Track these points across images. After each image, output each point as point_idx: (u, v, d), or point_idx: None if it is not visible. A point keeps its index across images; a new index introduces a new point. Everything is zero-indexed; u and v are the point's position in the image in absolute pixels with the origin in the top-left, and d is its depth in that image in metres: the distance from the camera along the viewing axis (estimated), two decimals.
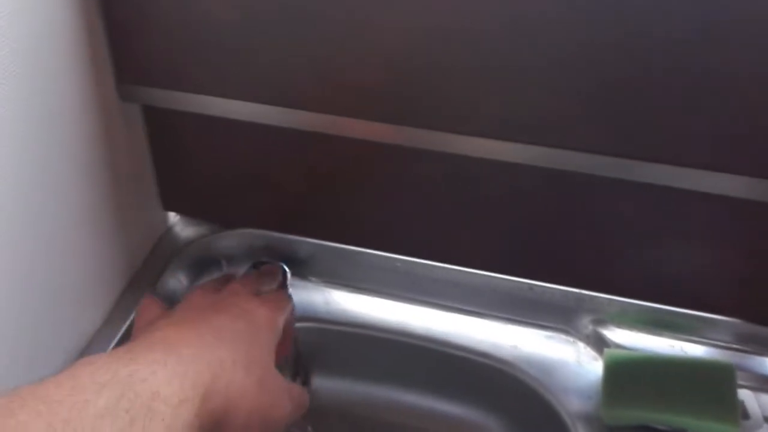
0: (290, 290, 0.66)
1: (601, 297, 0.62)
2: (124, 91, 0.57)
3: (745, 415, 0.57)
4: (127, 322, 0.60)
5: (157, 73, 0.56)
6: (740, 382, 0.59)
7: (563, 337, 0.64)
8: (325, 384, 0.70)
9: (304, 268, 0.69)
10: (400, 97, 0.52)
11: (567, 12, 0.46)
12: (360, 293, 0.68)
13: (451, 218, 0.62)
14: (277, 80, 0.54)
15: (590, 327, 0.63)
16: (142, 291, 0.62)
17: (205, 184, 0.66)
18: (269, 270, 0.63)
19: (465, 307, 0.66)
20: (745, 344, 0.62)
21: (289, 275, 0.66)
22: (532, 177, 0.56)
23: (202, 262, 0.68)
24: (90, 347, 0.58)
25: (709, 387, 0.56)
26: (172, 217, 0.69)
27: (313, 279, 0.70)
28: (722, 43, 0.44)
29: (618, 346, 0.62)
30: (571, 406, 0.59)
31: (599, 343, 0.62)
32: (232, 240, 0.69)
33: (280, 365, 0.54)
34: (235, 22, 0.52)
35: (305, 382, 0.69)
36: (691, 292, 0.61)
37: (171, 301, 0.66)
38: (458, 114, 0.52)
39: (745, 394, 0.58)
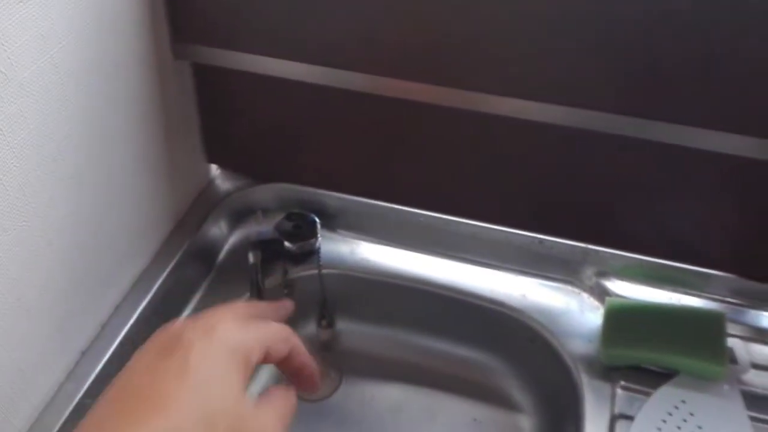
0: (320, 240, 0.72)
1: (604, 251, 0.67)
2: (177, 50, 0.63)
3: (734, 360, 0.62)
4: (173, 263, 0.67)
5: (209, 32, 0.62)
6: (732, 333, 0.64)
7: (569, 288, 0.69)
8: (349, 327, 0.76)
9: (334, 221, 0.75)
10: (436, 58, 0.58)
11: None
12: (384, 245, 0.74)
13: (471, 175, 0.67)
14: (321, 41, 0.59)
15: (594, 279, 0.69)
16: (187, 235, 0.69)
17: (247, 139, 0.72)
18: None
19: (480, 259, 0.71)
20: (739, 298, 0.67)
21: (319, 226, 0.73)
22: (548, 136, 0.61)
23: (240, 212, 0.75)
24: (138, 284, 0.64)
25: (700, 332, 0.61)
26: (214, 170, 0.76)
27: (341, 231, 0.76)
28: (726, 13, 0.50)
29: (619, 296, 0.67)
30: (573, 348, 0.64)
31: (602, 294, 0.68)
32: (269, 193, 0.75)
33: None
34: None
35: (330, 325, 0.76)
36: (689, 248, 0.66)
37: (212, 247, 0.72)
38: (487, 75, 0.57)
39: (735, 342, 0.63)
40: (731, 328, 0.65)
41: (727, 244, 0.65)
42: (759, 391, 0.61)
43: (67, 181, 0.52)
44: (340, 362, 0.75)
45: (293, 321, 0.74)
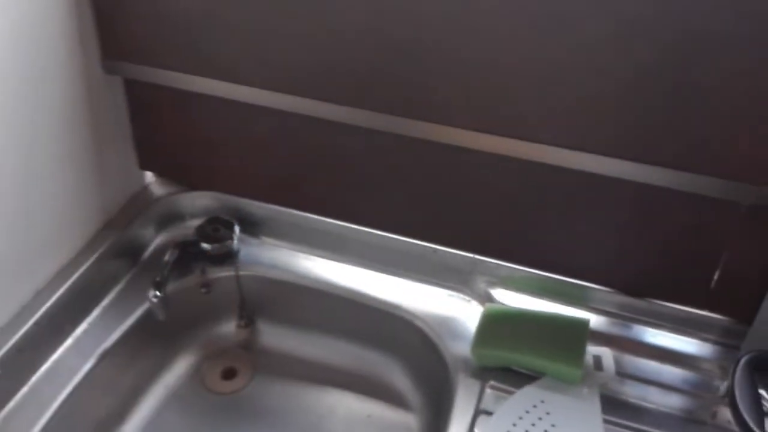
0: (237, 243, 0.79)
1: (492, 262, 0.72)
2: (107, 65, 0.71)
3: (600, 367, 0.66)
4: (96, 256, 0.73)
5: (136, 51, 0.70)
6: (606, 343, 0.68)
7: (461, 295, 0.74)
8: (264, 327, 0.81)
9: (257, 229, 0.82)
10: (343, 81, 0.65)
11: None
12: (301, 251, 0.80)
13: (376, 189, 0.73)
14: (241, 62, 0.67)
15: (483, 288, 0.73)
16: (113, 233, 0.76)
17: (176, 149, 0.79)
18: None
19: (383, 266, 0.77)
20: (617, 311, 0.71)
21: (237, 231, 0.79)
22: (444, 155, 0.67)
23: (168, 216, 0.81)
24: (61, 272, 0.71)
25: (564, 337, 0.66)
26: (150, 177, 0.83)
27: (263, 238, 0.82)
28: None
29: (500, 303, 0.72)
30: (455, 350, 0.69)
31: (489, 301, 0.72)
32: (196, 199, 0.82)
33: None
34: (201, 12, 0.65)
35: (248, 325, 0.82)
36: (571, 263, 0.70)
37: (138, 246, 0.79)
38: (391, 98, 0.64)
39: (604, 351, 0.67)
40: (607, 339, 0.69)
41: (607, 261, 0.69)
42: (621, 397, 0.65)
43: None
44: (254, 359, 0.80)
45: (213, 319, 0.82)
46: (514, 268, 0.72)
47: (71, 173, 0.70)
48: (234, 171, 0.79)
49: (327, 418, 0.75)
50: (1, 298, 0.65)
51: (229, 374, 0.79)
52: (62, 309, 0.69)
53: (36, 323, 0.66)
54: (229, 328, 0.82)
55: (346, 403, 0.76)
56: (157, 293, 0.69)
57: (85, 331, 0.70)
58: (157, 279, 0.71)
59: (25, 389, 0.64)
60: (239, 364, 0.80)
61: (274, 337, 0.81)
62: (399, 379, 0.76)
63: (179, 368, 0.78)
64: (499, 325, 0.67)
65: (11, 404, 0.63)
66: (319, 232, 0.79)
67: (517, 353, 0.65)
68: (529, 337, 0.66)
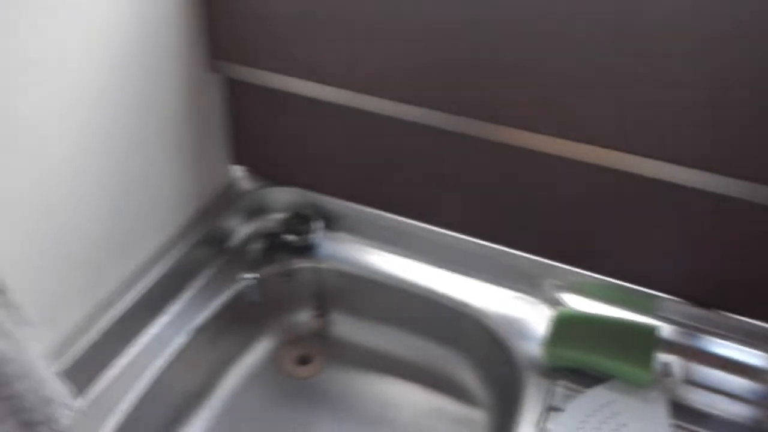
0: (319, 236, 0.83)
1: (563, 267, 0.75)
2: (213, 65, 0.76)
3: (668, 374, 0.68)
4: (189, 241, 0.78)
5: (237, 51, 0.75)
6: (674, 351, 0.70)
7: (529, 298, 0.77)
8: (338, 317, 0.86)
9: (337, 225, 0.86)
10: (414, 82, 0.69)
11: None
12: (375, 248, 0.84)
13: (447, 190, 0.77)
14: (337, 66, 0.71)
15: (551, 292, 0.76)
16: (206, 221, 0.81)
17: (266, 145, 0.84)
18: None
19: (452, 266, 0.80)
20: (686, 321, 0.73)
21: (320, 225, 0.83)
22: (513, 160, 0.70)
23: (255, 208, 0.87)
24: (157, 253, 0.76)
25: (635, 341, 0.68)
26: (240, 171, 0.88)
27: (341, 233, 0.86)
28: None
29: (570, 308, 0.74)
30: (526, 350, 0.72)
31: (558, 306, 0.75)
32: (282, 195, 0.87)
33: None
34: (295, 16, 0.70)
35: (323, 315, 0.86)
36: (642, 271, 0.72)
37: (227, 234, 0.84)
38: (482, 103, 0.67)
39: (673, 359, 0.69)
40: (675, 348, 0.71)
41: (678, 270, 0.71)
42: (688, 403, 0.67)
43: (102, 156, 0.65)
44: (327, 348, 0.85)
45: (291, 308, 0.86)
46: (584, 275, 0.74)
47: (173, 164, 0.75)
48: (317, 169, 0.83)
49: (394, 409, 0.78)
50: (106, 274, 0.70)
51: (303, 360, 0.84)
52: (158, 286, 0.74)
53: (134, 298, 0.72)
54: (305, 317, 0.86)
55: (414, 396, 0.79)
56: (257, 275, 0.74)
57: (179, 309, 0.75)
58: (251, 263, 0.75)
59: (123, 358, 0.70)
60: (313, 352, 0.84)
61: (346, 328, 0.85)
62: (466, 374, 0.79)
63: (258, 351, 0.83)
64: (572, 327, 0.70)
65: (111, 370, 0.69)
66: (394, 230, 0.83)
67: (590, 354, 0.67)
68: (602, 339, 0.68)
